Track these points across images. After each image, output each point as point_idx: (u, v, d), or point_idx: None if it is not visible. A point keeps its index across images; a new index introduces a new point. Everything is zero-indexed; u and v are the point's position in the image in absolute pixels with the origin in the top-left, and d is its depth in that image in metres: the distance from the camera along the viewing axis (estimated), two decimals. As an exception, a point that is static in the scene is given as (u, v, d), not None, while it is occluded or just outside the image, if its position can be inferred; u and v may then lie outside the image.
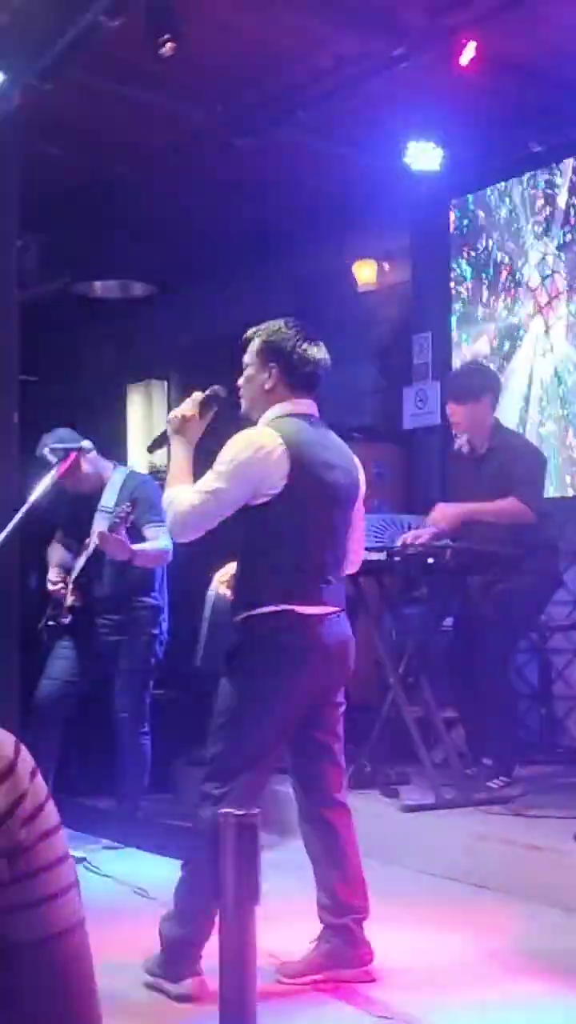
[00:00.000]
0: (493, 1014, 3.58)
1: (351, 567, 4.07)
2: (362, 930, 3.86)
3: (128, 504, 5.49)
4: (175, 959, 3.72)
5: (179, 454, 3.94)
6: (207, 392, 3.97)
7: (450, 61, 6.00)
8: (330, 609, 3.82)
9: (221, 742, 3.80)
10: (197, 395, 3.99)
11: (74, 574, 5.76)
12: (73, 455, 5.66)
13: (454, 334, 7.88)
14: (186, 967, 3.67)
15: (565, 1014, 3.58)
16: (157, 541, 5.64)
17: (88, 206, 8.14)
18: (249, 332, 4.04)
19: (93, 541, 5.62)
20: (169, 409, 10.58)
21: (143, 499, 5.66)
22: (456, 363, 7.70)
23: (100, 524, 5.61)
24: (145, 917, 4.56)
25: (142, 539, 5.65)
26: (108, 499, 5.72)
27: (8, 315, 6.33)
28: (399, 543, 5.54)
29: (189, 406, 3.97)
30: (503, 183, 7.54)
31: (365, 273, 8.66)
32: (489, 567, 5.73)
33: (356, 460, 4.05)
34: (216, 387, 3.99)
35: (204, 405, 3.97)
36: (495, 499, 5.56)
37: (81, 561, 5.72)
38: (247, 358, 4.03)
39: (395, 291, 8.55)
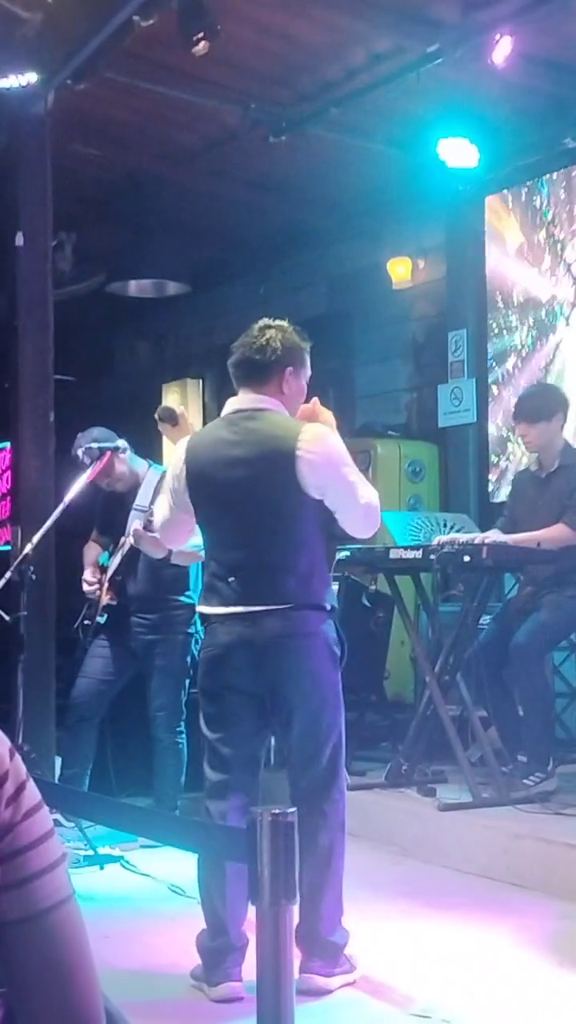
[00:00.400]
0: (530, 1012, 3.57)
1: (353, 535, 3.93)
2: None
3: None
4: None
5: None
6: None
7: (485, 57, 5.98)
8: (228, 610, 3.76)
9: None
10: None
11: (109, 573, 5.78)
12: (108, 454, 5.68)
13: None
14: None
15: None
16: (191, 540, 5.64)
17: (122, 205, 8.17)
18: None
19: (128, 540, 5.64)
20: (204, 408, 10.63)
21: None
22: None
23: (135, 523, 5.63)
24: (182, 915, 4.58)
25: None
26: (143, 498, 5.74)
27: (43, 315, 6.36)
28: (435, 542, 5.52)
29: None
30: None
31: (400, 270, 8.64)
32: (525, 565, 5.71)
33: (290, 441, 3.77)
34: None
35: None
36: (558, 519, 5.56)
37: (117, 560, 5.74)
38: None
39: (430, 288, 8.53)
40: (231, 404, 3.91)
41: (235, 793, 3.73)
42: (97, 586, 5.82)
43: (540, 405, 5.87)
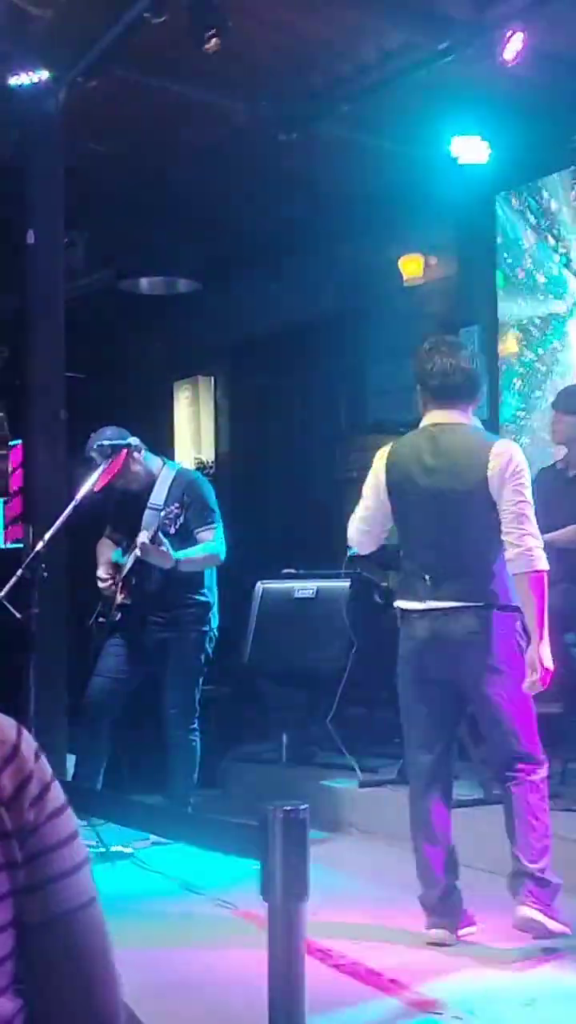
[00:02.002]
0: (541, 1009, 3.57)
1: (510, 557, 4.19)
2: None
3: (177, 505, 5.50)
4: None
5: None
6: None
7: (496, 54, 5.96)
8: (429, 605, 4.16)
9: None
10: None
11: (124, 572, 5.78)
12: (123, 453, 5.68)
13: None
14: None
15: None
16: (206, 545, 5.65)
17: (133, 203, 8.17)
18: None
19: (142, 538, 5.62)
20: (216, 406, 10.63)
21: (195, 500, 5.66)
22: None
23: (149, 521, 5.62)
24: (195, 912, 4.59)
25: (194, 541, 5.66)
26: (158, 496, 5.74)
27: (55, 312, 6.37)
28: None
29: None
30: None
31: (411, 267, 8.63)
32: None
33: (485, 454, 4.20)
34: None
35: None
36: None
37: (131, 558, 5.73)
38: None
39: (442, 285, 8.52)
40: (445, 415, 4.30)
41: (430, 777, 4.27)
42: (111, 584, 5.82)
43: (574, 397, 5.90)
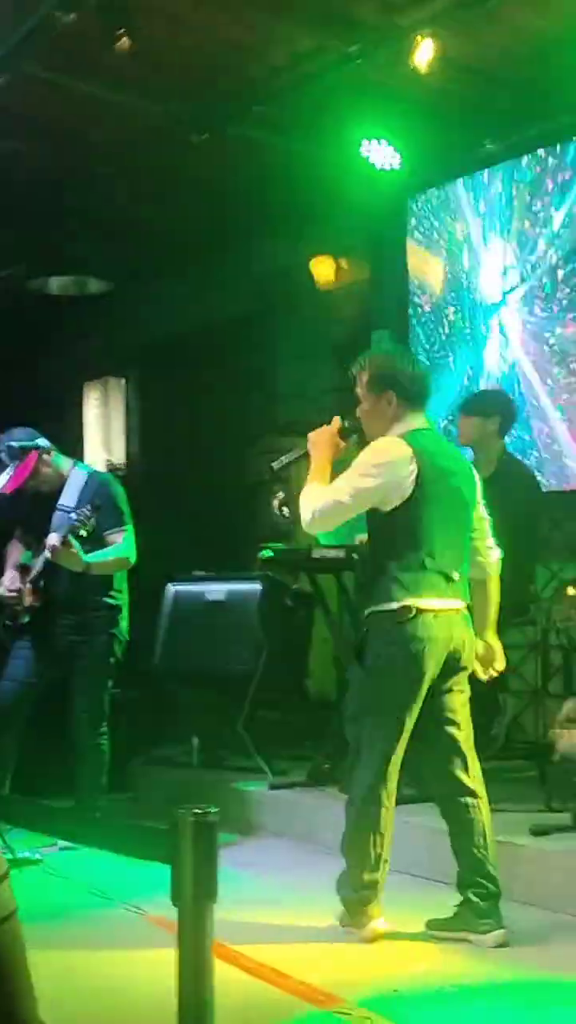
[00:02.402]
0: (452, 1002, 3.60)
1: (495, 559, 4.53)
2: (488, 902, 4.20)
3: (88, 507, 5.46)
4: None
5: (323, 458, 4.35)
6: (345, 423, 4.42)
7: (406, 59, 6.01)
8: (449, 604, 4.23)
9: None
10: (337, 419, 4.44)
11: (33, 574, 5.72)
12: (32, 455, 5.63)
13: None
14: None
15: (524, 998, 3.60)
16: (118, 548, 5.62)
17: (44, 201, 8.10)
18: (354, 368, 4.45)
19: (52, 541, 5.57)
20: (127, 407, 10.59)
21: (106, 503, 5.63)
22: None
23: (59, 523, 5.58)
24: (104, 918, 4.56)
25: (104, 544, 5.62)
26: (68, 498, 5.69)
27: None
28: (357, 540, 5.54)
29: (333, 427, 4.42)
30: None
31: (323, 270, 8.66)
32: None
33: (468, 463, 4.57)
34: (351, 421, 4.44)
35: (343, 431, 4.41)
36: None
37: (40, 561, 5.67)
38: (360, 391, 4.41)
39: (354, 288, 8.56)
40: (422, 421, 4.37)
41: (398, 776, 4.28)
42: (20, 586, 5.76)
43: (480, 401, 6.03)
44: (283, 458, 4.63)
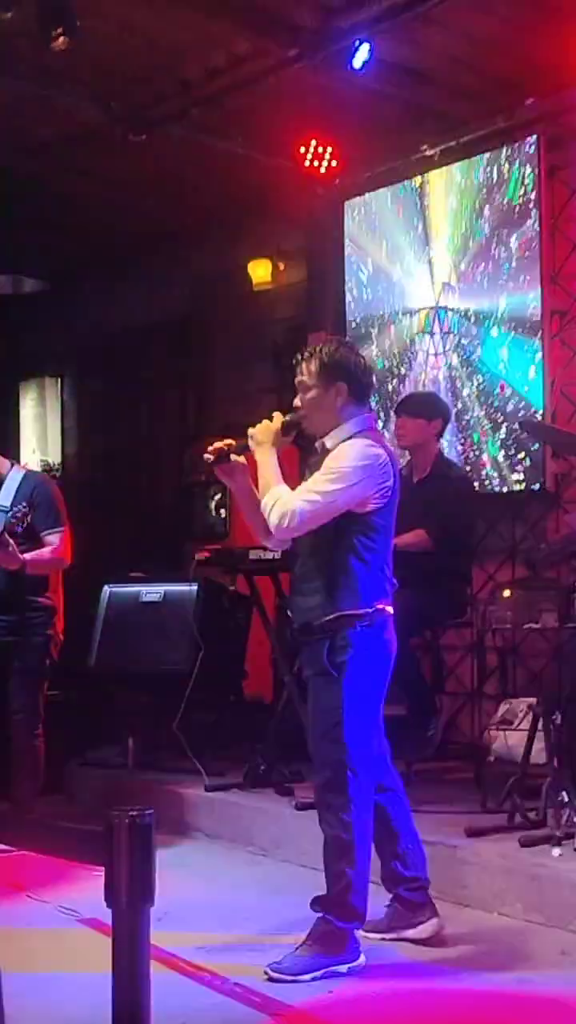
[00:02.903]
0: (387, 1011, 3.61)
1: None
2: (419, 897, 4.20)
3: (24, 505, 5.41)
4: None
5: (269, 461, 4.13)
6: (288, 417, 4.18)
7: (344, 63, 6.03)
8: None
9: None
10: (279, 415, 4.20)
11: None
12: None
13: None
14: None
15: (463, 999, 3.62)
16: (53, 548, 5.59)
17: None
18: (302, 354, 4.22)
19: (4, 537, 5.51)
20: (63, 406, 10.53)
21: (43, 503, 5.59)
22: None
23: None
24: (38, 921, 4.53)
25: (40, 544, 5.58)
26: (5, 497, 5.63)
27: None
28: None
29: (276, 422, 4.18)
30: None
31: (260, 272, 8.67)
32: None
33: None
34: (295, 414, 4.20)
35: (287, 425, 4.17)
36: (424, 527, 5.62)
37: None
38: (307, 379, 4.17)
39: (291, 291, 8.58)
40: (372, 419, 4.29)
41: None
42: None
43: (423, 403, 6.05)
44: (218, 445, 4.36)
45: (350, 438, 4.09)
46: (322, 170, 7.12)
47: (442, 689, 6.50)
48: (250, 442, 4.17)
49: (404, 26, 5.89)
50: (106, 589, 6.94)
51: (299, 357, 4.21)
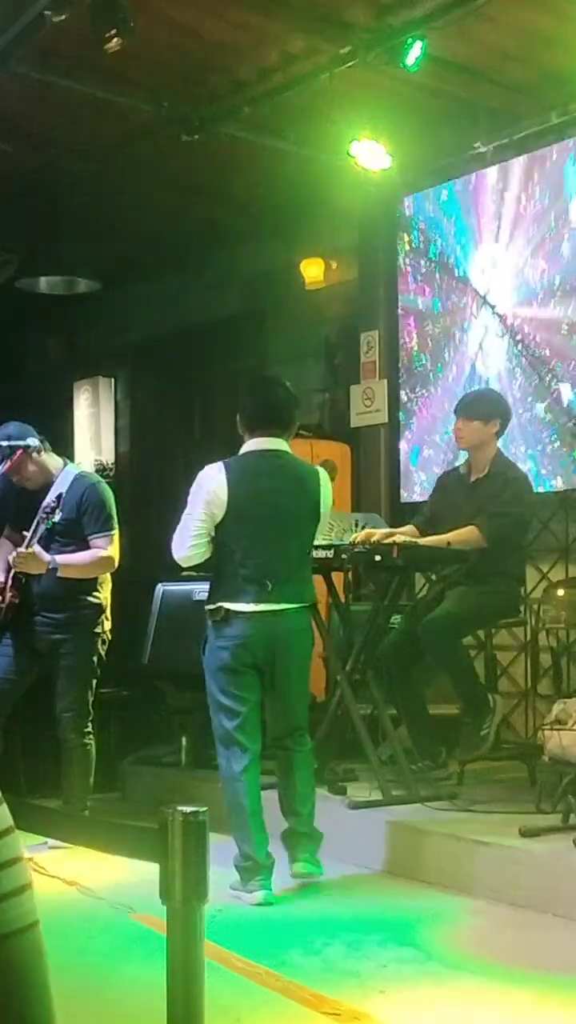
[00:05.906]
0: (442, 1011, 3.60)
1: None
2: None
3: (54, 500, 5.45)
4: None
5: None
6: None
7: (397, 60, 6.01)
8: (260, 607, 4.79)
9: None
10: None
11: (14, 571, 5.69)
12: (19, 453, 5.61)
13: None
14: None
15: (534, 1016, 3.60)
16: (98, 550, 5.60)
17: (34, 201, 8.09)
18: None
19: (33, 539, 5.53)
20: (116, 406, 10.57)
21: (90, 508, 5.61)
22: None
23: (12, 553, 5.57)
24: (94, 917, 4.55)
25: (87, 547, 5.61)
26: (49, 498, 5.66)
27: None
28: (349, 541, 5.55)
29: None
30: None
31: (313, 271, 8.67)
32: (435, 564, 5.76)
33: (315, 480, 4.99)
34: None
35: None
36: (477, 524, 5.60)
37: (12, 559, 5.62)
38: None
39: (343, 289, 8.57)
40: (261, 444, 4.93)
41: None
42: (2, 583, 5.73)
43: (481, 404, 5.98)
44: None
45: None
46: (375, 168, 7.10)
47: (496, 689, 6.47)
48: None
49: (457, 23, 5.86)
50: (159, 588, 6.96)
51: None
